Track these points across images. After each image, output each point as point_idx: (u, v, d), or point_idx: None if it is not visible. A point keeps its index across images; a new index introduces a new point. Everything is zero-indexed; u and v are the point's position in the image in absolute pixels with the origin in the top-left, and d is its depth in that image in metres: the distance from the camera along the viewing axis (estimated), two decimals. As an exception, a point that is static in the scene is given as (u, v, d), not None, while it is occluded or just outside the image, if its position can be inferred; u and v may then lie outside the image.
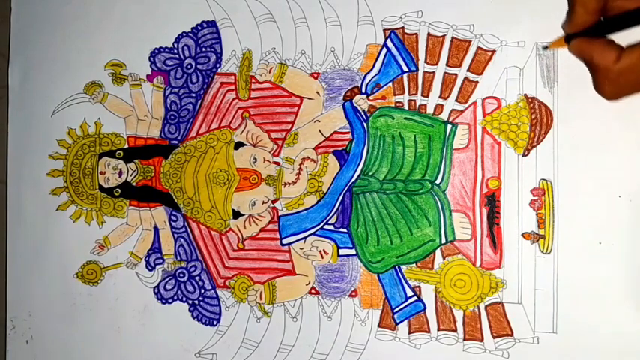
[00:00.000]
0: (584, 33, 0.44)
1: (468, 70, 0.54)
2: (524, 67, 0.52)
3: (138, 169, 0.61)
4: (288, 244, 0.57)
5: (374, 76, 0.56)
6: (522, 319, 0.52)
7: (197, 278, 0.59)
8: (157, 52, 0.61)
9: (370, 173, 0.56)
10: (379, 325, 0.55)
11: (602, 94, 0.44)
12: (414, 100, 0.55)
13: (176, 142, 0.60)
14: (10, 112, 0.64)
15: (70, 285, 0.62)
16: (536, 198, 0.52)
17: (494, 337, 0.53)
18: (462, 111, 0.54)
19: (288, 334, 0.57)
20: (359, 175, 0.56)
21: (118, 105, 0.62)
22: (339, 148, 0.57)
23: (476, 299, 0.53)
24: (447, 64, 0.54)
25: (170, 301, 0.60)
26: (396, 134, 0.55)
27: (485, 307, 0.53)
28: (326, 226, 0.57)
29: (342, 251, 0.56)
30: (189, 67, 0.60)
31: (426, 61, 0.55)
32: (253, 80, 0.58)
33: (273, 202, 0.58)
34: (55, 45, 0.63)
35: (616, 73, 0.42)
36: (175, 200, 0.60)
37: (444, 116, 0.54)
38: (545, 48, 0.51)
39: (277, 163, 0.58)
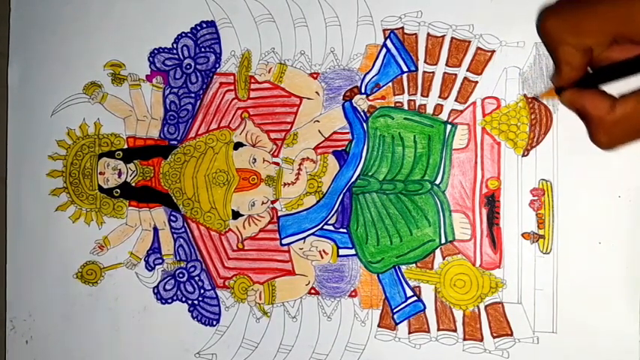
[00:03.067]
0: (575, 84, 0.44)
1: (467, 70, 0.54)
2: (523, 67, 0.52)
3: (137, 169, 0.61)
4: (288, 244, 0.57)
5: (373, 76, 0.56)
6: (522, 319, 0.52)
7: (197, 278, 0.59)
8: (156, 52, 0.61)
9: (370, 173, 0.56)
10: (379, 326, 0.55)
11: (597, 145, 0.44)
12: (414, 100, 0.55)
13: (175, 142, 0.60)
14: (9, 112, 0.64)
15: (70, 285, 0.62)
16: (535, 198, 0.52)
17: (494, 337, 0.53)
18: (462, 111, 0.54)
19: (288, 335, 0.57)
20: (358, 176, 0.56)
21: (118, 105, 0.62)
22: (339, 149, 0.57)
23: (476, 299, 0.53)
24: (446, 64, 0.54)
25: (170, 301, 0.60)
26: (396, 134, 0.55)
27: (485, 307, 0.53)
28: (325, 227, 0.57)
29: (342, 251, 0.56)
30: (188, 67, 0.60)
31: (425, 61, 0.55)
32: (253, 80, 0.58)
33: (273, 202, 0.58)
34: (54, 45, 0.63)
35: (610, 124, 0.42)
36: (175, 200, 0.60)
37: (443, 116, 0.54)
38: (535, 98, 0.51)
39: (277, 164, 0.58)
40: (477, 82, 0.54)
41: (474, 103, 0.54)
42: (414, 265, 0.55)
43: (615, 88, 0.44)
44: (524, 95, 0.52)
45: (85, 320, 0.62)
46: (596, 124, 0.43)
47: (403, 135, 0.55)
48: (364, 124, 0.56)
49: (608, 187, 0.51)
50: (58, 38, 0.63)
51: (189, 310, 0.60)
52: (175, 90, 0.60)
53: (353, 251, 0.56)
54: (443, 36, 0.54)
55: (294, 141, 0.57)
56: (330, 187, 0.56)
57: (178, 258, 0.60)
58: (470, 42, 0.54)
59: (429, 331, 0.54)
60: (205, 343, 0.59)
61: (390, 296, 0.55)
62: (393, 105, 0.55)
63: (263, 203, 0.58)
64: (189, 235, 0.60)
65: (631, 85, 0.44)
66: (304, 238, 0.57)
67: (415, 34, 0.55)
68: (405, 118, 0.55)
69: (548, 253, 0.52)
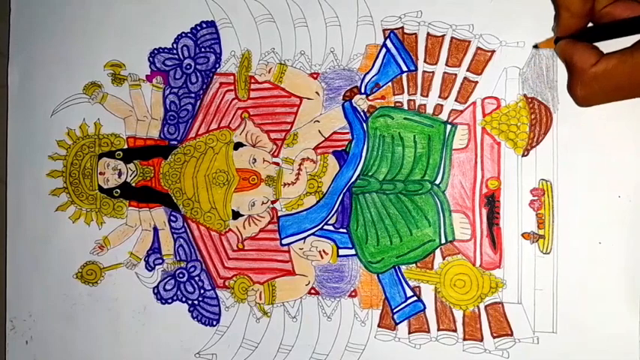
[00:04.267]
0: (573, 37, 0.45)
1: (467, 70, 0.54)
2: (523, 67, 0.52)
3: (137, 169, 0.61)
4: (288, 244, 0.57)
5: (373, 76, 0.56)
6: (522, 319, 0.52)
7: (197, 279, 0.59)
8: (156, 52, 0.61)
9: (370, 173, 0.56)
10: (379, 326, 0.55)
11: (573, 97, 0.44)
12: (414, 100, 0.55)
13: (175, 142, 0.60)
14: (9, 112, 0.64)
15: (70, 285, 0.62)
16: (535, 198, 0.52)
17: (494, 337, 0.53)
18: (462, 111, 0.54)
19: (288, 335, 0.57)
20: (358, 176, 0.56)
21: (118, 105, 0.62)
22: (339, 149, 0.57)
23: (476, 299, 0.53)
24: (446, 64, 0.54)
25: (170, 301, 0.60)
26: (396, 134, 0.55)
27: (485, 307, 0.53)
28: (325, 227, 0.57)
29: (342, 251, 0.56)
30: (188, 67, 0.60)
31: (425, 61, 0.55)
32: (253, 80, 0.58)
33: (273, 202, 0.58)
34: (54, 45, 0.63)
35: (590, 77, 0.42)
36: (175, 201, 0.60)
37: (443, 116, 0.54)
38: (536, 46, 0.51)
39: (277, 164, 0.58)
40: (477, 82, 0.54)
41: (473, 103, 0.54)
42: (414, 265, 0.55)
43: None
44: (525, 95, 0.52)
45: (85, 320, 0.62)
46: (578, 76, 0.43)
47: (403, 135, 0.55)
48: (364, 124, 0.56)
49: (608, 187, 0.51)
50: (58, 38, 0.63)
51: (189, 310, 0.60)
52: (175, 90, 0.60)
53: (353, 251, 0.56)
54: (443, 36, 0.54)
55: (294, 141, 0.57)
56: (330, 187, 0.56)
57: (178, 258, 0.60)
58: (470, 42, 0.54)
59: (429, 331, 0.54)
60: (205, 343, 0.59)
61: (390, 296, 0.55)
62: (392, 105, 0.55)
63: (263, 203, 0.58)
64: (189, 235, 0.60)
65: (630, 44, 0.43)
66: (304, 238, 0.57)
67: (415, 33, 0.55)
68: (404, 118, 0.55)
69: (548, 253, 0.52)
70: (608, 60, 0.41)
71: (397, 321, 0.55)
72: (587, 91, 0.43)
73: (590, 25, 0.45)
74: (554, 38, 0.47)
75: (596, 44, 0.44)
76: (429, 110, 0.55)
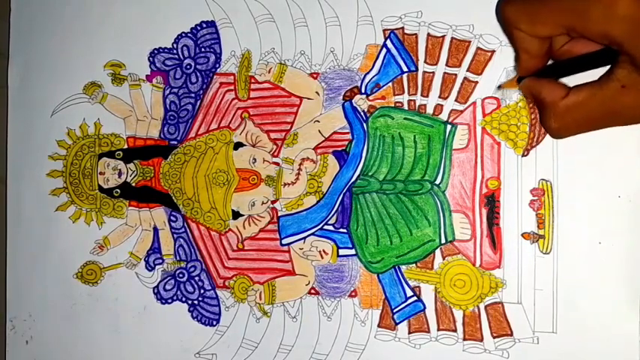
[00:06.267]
0: (535, 74, 0.45)
1: (467, 71, 0.54)
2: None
3: (137, 169, 0.61)
4: (288, 244, 0.57)
5: (373, 77, 0.56)
6: (522, 319, 0.52)
7: (197, 279, 0.59)
8: (156, 52, 0.61)
9: (370, 173, 0.56)
10: (379, 326, 0.55)
11: (547, 129, 0.44)
12: (414, 101, 0.55)
13: (175, 142, 0.60)
14: (9, 112, 0.64)
15: (70, 285, 0.62)
16: (535, 198, 0.52)
17: (494, 337, 0.53)
18: (462, 111, 0.54)
19: (288, 335, 0.57)
20: (358, 176, 0.56)
21: (118, 105, 0.62)
22: (339, 149, 0.57)
23: (475, 299, 0.53)
24: (446, 65, 0.54)
25: (170, 301, 0.60)
26: (396, 134, 0.55)
27: (485, 307, 0.53)
28: (325, 227, 0.57)
29: (342, 251, 0.56)
30: (188, 67, 0.60)
31: (425, 62, 0.55)
32: (253, 80, 0.58)
33: (273, 202, 0.58)
34: (54, 45, 0.63)
35: (562, 109, 0.42)
36: (175, 201, 0.60)
37: (443, 116, 0.54)
38: (500, 87, 0.52)
39: (277, 164, 0.58)
40: (477, 82, 0.54)
41: (474, 103, 0.54)
42: (414, 265, 0.55)
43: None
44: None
45: (85, 320, 0.62)
46: (549, 109, 0.43)
47: (403, 135, 0.55)
48: (364, 124, 0.56)
49: (608, 187, 0.51)
50: (58, 38, 0.63)
51: (189, 310, 0.60)
52: (175, 90, 0.60)
53: (353, 251, 0.56)
54: (443, 36, 0.54)
55: (294, 141, 0.57)
56: (330, 187, 0.56)
57: (178, 258, 0.60)
58: (470, 42, 0.54)
59: (429, 331, 0.54)
60: (205, 343, 0.59)
61: (390, 296, 0.55)
62: (393, 105, 0.55)
63: (263, 203, 0.58)
64: (189, 235, 0.60)
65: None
66: (304, 238, 0.57)
67: (415, 34, 0.55)
68: (405, 118, 0.55)
69: (548, 253, 0.52)
70: (578, 93, 0.42)
71: (397, 321, 0.55)
72: (561, 123, 0.43)
73: (550, 62, 0.45)
74: (517, 77, 0.47)
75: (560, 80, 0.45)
76: (429, 110, 0.55)
